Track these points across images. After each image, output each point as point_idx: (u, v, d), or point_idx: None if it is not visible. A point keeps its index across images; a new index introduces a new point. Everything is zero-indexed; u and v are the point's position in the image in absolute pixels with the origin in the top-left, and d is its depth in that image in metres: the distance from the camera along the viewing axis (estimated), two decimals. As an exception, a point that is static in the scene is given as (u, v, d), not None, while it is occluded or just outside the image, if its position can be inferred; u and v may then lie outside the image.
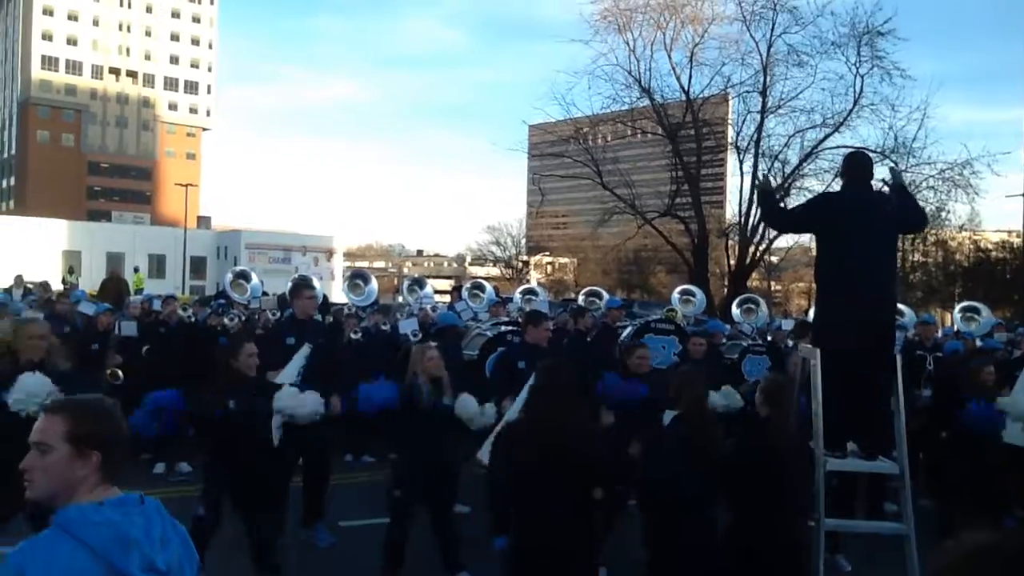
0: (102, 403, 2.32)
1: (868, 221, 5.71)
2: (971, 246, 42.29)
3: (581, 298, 15.37)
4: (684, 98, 28.12)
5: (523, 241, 78.43)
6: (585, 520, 4.39)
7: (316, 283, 8.66)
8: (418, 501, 6.10)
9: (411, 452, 6.17)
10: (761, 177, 25.36)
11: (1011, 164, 26.01)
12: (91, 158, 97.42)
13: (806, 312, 22.60)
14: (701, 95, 28.26)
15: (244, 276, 14.87)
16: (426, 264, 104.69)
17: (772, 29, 26.43)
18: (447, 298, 18.86)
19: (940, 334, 13.34)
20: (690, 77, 27.92)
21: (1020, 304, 24.51)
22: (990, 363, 8.05)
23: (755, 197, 25.06)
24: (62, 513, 2.09)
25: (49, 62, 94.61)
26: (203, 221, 77.05)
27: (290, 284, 8.56)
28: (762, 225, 27.39)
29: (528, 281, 49.96)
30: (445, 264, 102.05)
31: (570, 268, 74.89)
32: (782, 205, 21.60)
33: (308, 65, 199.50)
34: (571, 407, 4.47)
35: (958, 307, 15.38)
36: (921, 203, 25.14)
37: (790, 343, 10.22)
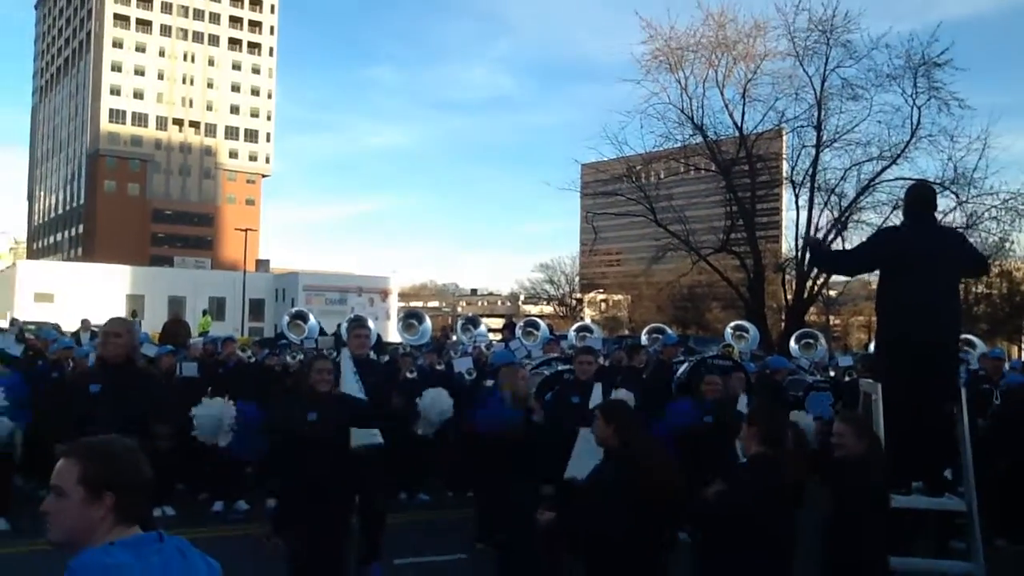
0: (117, 444, 2.28)
1: (932, 253, 5.61)
2: (1037, 277, 41.15)
3: (644, 336, 15.26)
4: (737, 134, 27.99)
5: (576, 279, 78.36)
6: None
7: (370, 323, 8.77)
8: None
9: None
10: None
11: (1076, 192, 25.20)
12: (155, 205, 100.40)
13: (866, 346, 22.15)
14: (754, 131, 28.10)
15: (302, 317, 15.08)
16: (480, 303, 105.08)
17: (826, 63, 26.24)
18: (500, 336, 18.89)
19: (1007, 367, 12.96)
20: (743, 113, 27.83)
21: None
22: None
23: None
24: (75, 559, 2.06)
25: (117, 115, 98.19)
26: (262, 264, 78.49)
27: (344, 324, 8.70)
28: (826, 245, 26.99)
29: (582, 318, 49.81)
30: (499, 303, 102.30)
31: (624, 305, 74.58)
32: (840, 248, 21.39)
33: (363, 112, 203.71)
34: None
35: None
36: (984, 234, 24.74)
37: (848, 377, 10.02)
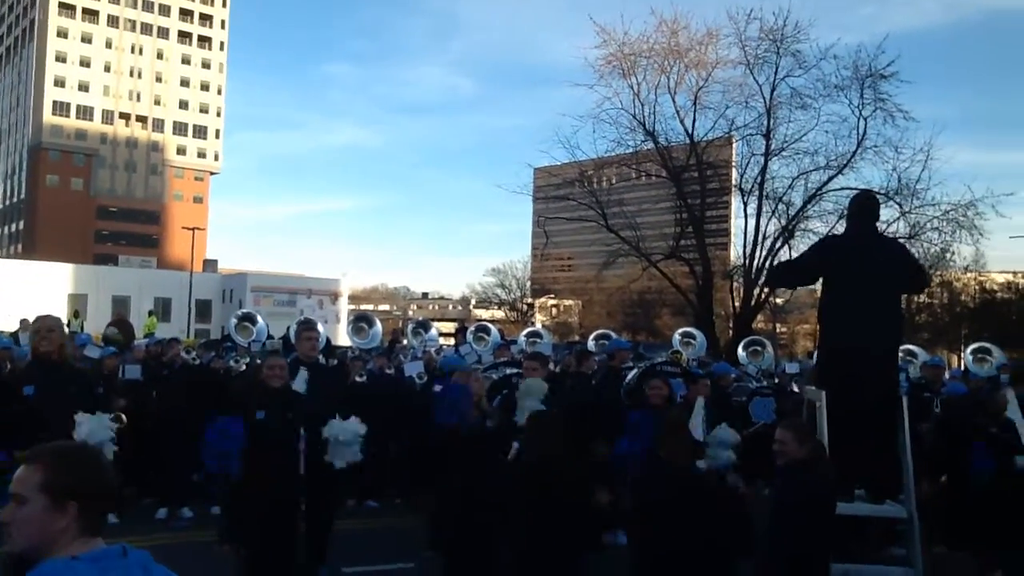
0: (82, 451, 2.22)
1: (872, 262, 5.71)
2: (976, 287, 42.24)
3: (591, 342, 15.33)
4: (688, 141, 28.27)
5: (528, 283, 78.53)
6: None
7: (320, 326, 8.68)
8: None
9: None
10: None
11: (1015, 205, 26.01)
12: (100, 202, 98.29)
13: (810, 354, 22.52)
14: (705, 138, 28.41)
15: (250, 319, 14.86)
16: (431, 307, 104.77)
17: (775, 73, 26.64)
18: (452, 340, 18.85)
19: (947, 376, 13.27)
20: (694, 120, 28.12)
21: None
22: (1002, 391, 7.99)
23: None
24: (34, 571, 1.99)
25: (60, 107, 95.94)
26: (209, 264, 77.26)
27: (293, 326, 8.60)
28: (766, 266, 27.43)
29: (533, 324, 49.90)
30: (450, 307, 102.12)
31: (575, 310, 74.91)
32: (784, 260, 21.67)
33: (317, 111, 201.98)
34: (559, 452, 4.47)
35: (970, 348, 15.30)
36: (926, 244, 25.27)
37: (795, 387, 10.19)
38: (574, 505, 4.38)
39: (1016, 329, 35.03)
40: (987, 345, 14.49)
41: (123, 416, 8.88)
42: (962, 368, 14.08)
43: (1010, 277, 43.21)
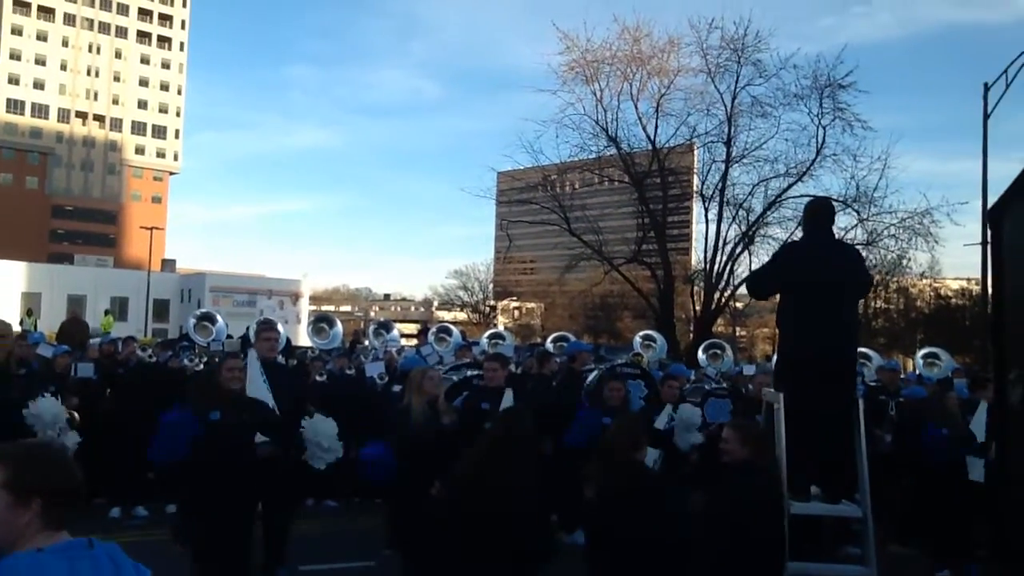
0: (45, 448, 2.25)
1: (829, 267, 5.78)
2: (932, 293, 43.04)
3: (549, 343, 15.36)
4: (650, 147, 28.51)
5: (490, 286, 78.53)
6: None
7: (280, 326, 8.60)
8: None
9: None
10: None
11: (969, 214, 26.49)
12: (55, 201, 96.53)
13: (768, 358, 22.77)
14: (667, 144, 28.69)
15: (209, 319, 14.69)
16: (393, 308, 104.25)
17: (736, 81, 26.98)
18: (414, 342, 18.77)
19: (902, 378, 13.49)
20: (656, 127, 28.37)
21: (980, 351, 24.90)
22: (952, 392, 8.16)
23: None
24: (0, 564, 2.02)
25: (15, 105, 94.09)
26: (167, 264, 76.24)
27: (252, 326, 8.52)
28: (726, 271, 27.72)
29: (495, 326, 49.90)
30: (412, 308, 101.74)
31: (537, 313, 75.05)
32: (752, 272, 21.86)
33: (279, 112, 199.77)
34: (522, 460, 4.43)
35: (920, 353, 15.59)
36: (883, 251, 25.70)
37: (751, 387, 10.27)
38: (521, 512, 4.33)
39: (968, 335, 35.70)
40: (936, 350, 14.79)
41: (75, 414, 8.75)
42: (916, 372, 14.33)
43: (964, 284, 44.07)
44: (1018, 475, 2.63)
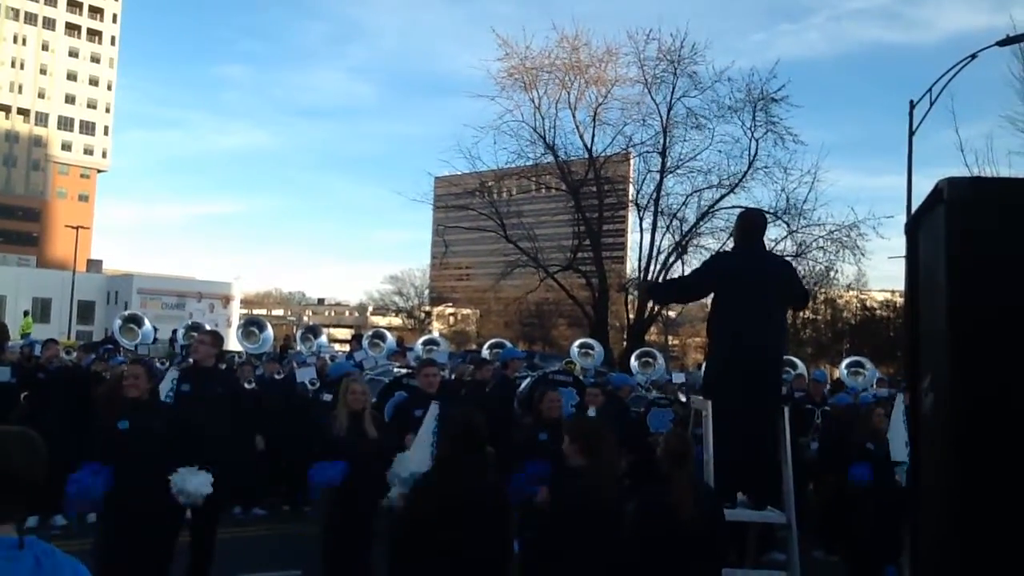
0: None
1: (758, 277, 5.89)
2: (858, 305, 44.17)
3: (485, 350, 15.39)
4: (587, 156, 28.76)
5: (426, 292, 78.21)
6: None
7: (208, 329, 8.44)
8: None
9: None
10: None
11: (894, 228, 27.28)
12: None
13: (699, 366, 23.14)
14: (603, 153, 28.98)
15: (135, 321, 14.39)
16: (327, 313, 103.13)
17: (672, 92, 27.39)
18: (348, 347, 18.58)
19: (826, 389, 13.82)
20: (593, 136, 28.65)
21: (902, 360, 25.68)
22: (880, 407, 8.36)
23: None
24: None
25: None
26: (93, 265, 74.28)
27: (180, 330, 8.35)
28: (660, 280, 28.06)
29: (430, 332, 49.72)
30: (347, 313, 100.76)
31: (472, 320, 74.96)
32: (670, 278, 22.20)
33: (212, 111, 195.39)
34: (480, 460, 4.38)
35: (844, 363, 16.01)
36: (811, 262, 26.30)
37: (682, 396, 10.43)
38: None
39: (892, 345, 36.79)
40: (860, 359, 15.23)
41: (-9, 421, 8.46)
42: (837, 381, 14.74)
43: (888, 296, 45.36)
44: (928, 481, 2.72)
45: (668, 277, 25.71)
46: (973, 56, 19.32)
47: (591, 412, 8.47)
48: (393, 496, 5.81)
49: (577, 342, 17.14)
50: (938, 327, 2.42)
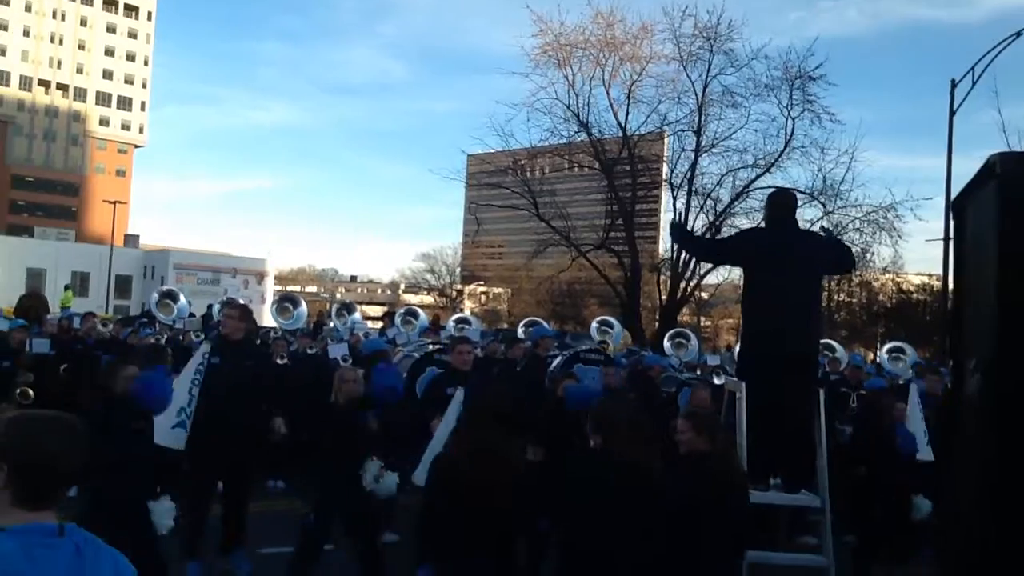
0: (36, 418, 2.09)
1: (789, 258, 5.80)
2: (894, 288, 43.58)
3: (520, 329, 15.37)
4: (621, 134, 28.52)
5: (458, 270, 78.32)
6: (510, 551, 4.30)
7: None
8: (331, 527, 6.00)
9: (328, 473, 6.01)
10: (677, 216, 25.88)
11: (932, 210, 26.84)
12: (15, 171, 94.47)
13: (729, 348, 22.98)
14: (637, 132, 28.74)
15: (171, 296, 14.52)
16: (360, 290, 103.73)
17: (708, 70, 27.05)
18: (380, 324, 18.66)
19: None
20: (627, 113, 28.40)
21: (939, 345, 25.32)
22: (901, 400, 8.20)
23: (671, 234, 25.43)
24: None
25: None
26: (130, 239, 75.23)
27: (215, 305, 8.39)
28: (693, 261, 27.85)
29: (462, 310, 49.84)
30: (379, 291, 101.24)
31: (504, 298, 74.98)
32: (699, 235, 21.94)
33: (247, 87, 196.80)
34: (505, 434, 4.34)
35: (885, 347, 15.79)
36: (848, 244, 26.05)
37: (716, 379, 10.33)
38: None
39: (928, 329, 36.27)
40: (902, 344, 15.00)
41: (30, 391, 8.60)
42: (876, 364, 14.55)
43: (925, 279, 44.72)
44: (966, 464, 2.64)
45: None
46: (1018, 34, 18.88)
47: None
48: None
49: (597, 319, 17.08)
50: (986, 304, 2.34)
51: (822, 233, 7.05)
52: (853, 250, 25.98)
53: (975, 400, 2.47)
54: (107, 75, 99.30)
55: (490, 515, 4.10)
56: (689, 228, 27.58)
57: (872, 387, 10.46)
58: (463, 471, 4.17)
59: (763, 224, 7.05)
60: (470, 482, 4.11)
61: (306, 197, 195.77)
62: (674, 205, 28.93)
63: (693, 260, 27.93)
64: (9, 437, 2.00)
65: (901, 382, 12.61)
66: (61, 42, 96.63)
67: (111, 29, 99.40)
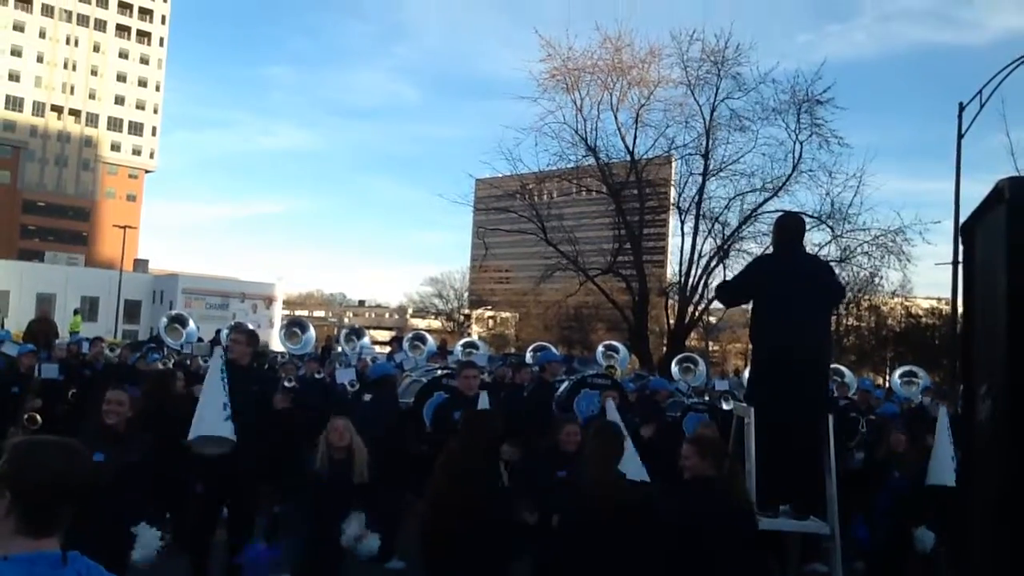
0: (42, 445, 2.08)
1: (798, 283, 5.78)
2: (902, 312, 43.37)
3: (529, 354, 15.34)
4: (628, 158, 28.56)
5: (465, 294, 78.34)
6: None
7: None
8: None
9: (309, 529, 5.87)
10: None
11: (941, 233, 26.79)
12: (27, 196, 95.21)
13: (737, 373, 22.88)
14: (645, 156, 28.75)
15: (180, 321, 14.56)
16: (367, 314, 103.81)
17: (716, 94, 27.10)
18: (388, 349, 18.65)
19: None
20: (635, 138, 28.44)
21: (949, 369, 25.15)
22: (900, 430, 8.04)
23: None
24: None
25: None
26: (140, 264, 75.52)
27: (224, 330, 8.40)
28: (701, 285, 27.80)
29: (469, 334, 49.82)
30: (387, 315, 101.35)
31: (511, 323, 74.94)
32: (723, 280, 21.91)
33: (257, 112, 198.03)
34: (486, 463, 4.34)
35: (898, 372, 15.68)
36: (856, 268, 25.87)
37: (724, 404, 10.28)
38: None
39: (938, 353, 36.08)
40: (914, 368, 14.90)
41: (37, 417, 8.60)
42: (886, 389, 14.47)
43: (934, 303, 44.51)
44: (982, 490, 2.60)
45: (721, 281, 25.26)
46: (1026, 58, 18.89)
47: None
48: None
49: (602, 344, 17.06)
50: (997, 330, 2.31)
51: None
52: (862, 274, 26.08)
53: (987, 427, 2.44)
54: (119, 100, 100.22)
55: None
56: (697, 256, 27.84)
57: (884, 414, 10.38)
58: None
59: (771, 249, 7.05)
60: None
61: (315, 221, 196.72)
62: (682, 229, 28.95)
63: (701, 284, 27.95)
64: (11, 464, 1.98)
65: (913, 405, 12.55)
66: (74, 68, 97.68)
67: (123, 55, 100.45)
